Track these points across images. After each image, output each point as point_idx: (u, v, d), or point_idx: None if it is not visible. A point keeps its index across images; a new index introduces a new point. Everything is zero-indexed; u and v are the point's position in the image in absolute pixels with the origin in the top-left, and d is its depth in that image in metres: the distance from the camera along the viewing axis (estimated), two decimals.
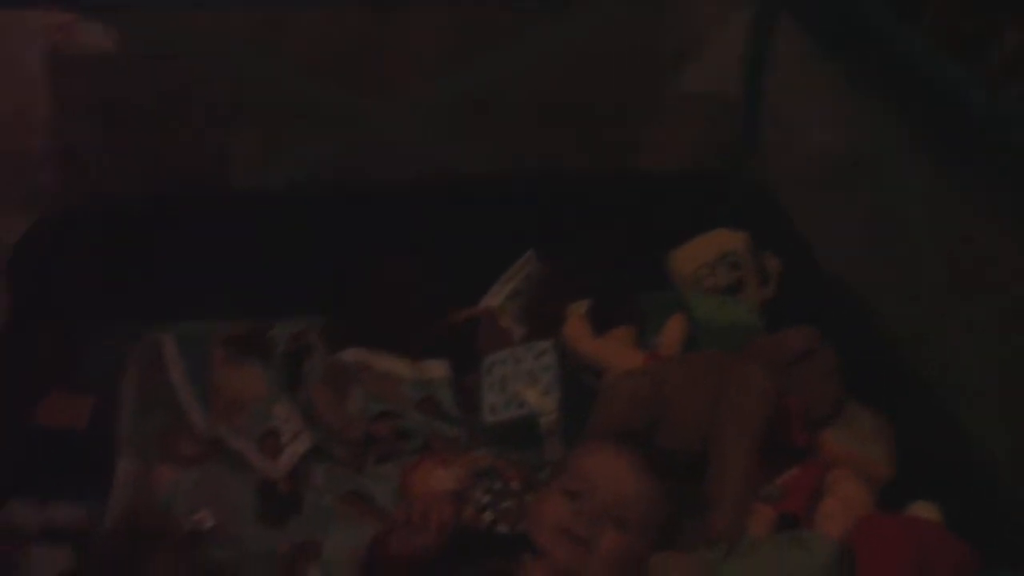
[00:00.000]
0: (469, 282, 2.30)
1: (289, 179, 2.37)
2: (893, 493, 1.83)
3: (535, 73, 2.36)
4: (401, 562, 1.62)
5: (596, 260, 2.27)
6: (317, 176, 2.38)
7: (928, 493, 1.78)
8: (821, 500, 1.76)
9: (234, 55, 2.23)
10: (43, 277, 2.14)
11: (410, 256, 2.22)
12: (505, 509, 1.80)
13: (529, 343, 2.05)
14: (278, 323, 2.09)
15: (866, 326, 2.05)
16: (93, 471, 1.86)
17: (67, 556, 1.69)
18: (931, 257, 1.94)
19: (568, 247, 2.31)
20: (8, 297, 2.08)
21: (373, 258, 2.20)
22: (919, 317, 1.96)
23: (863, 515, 1.72)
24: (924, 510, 1.76)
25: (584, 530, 1.62)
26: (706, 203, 2.39)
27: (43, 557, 1.68)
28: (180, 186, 2.36)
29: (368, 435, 1.95)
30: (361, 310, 2.17)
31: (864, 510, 1.73)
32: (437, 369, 2.08)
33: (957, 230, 1.87)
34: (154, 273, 2.19)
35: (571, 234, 2.32)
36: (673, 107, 2.50)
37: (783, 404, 1.84)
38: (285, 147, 2.38)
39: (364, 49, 2.31)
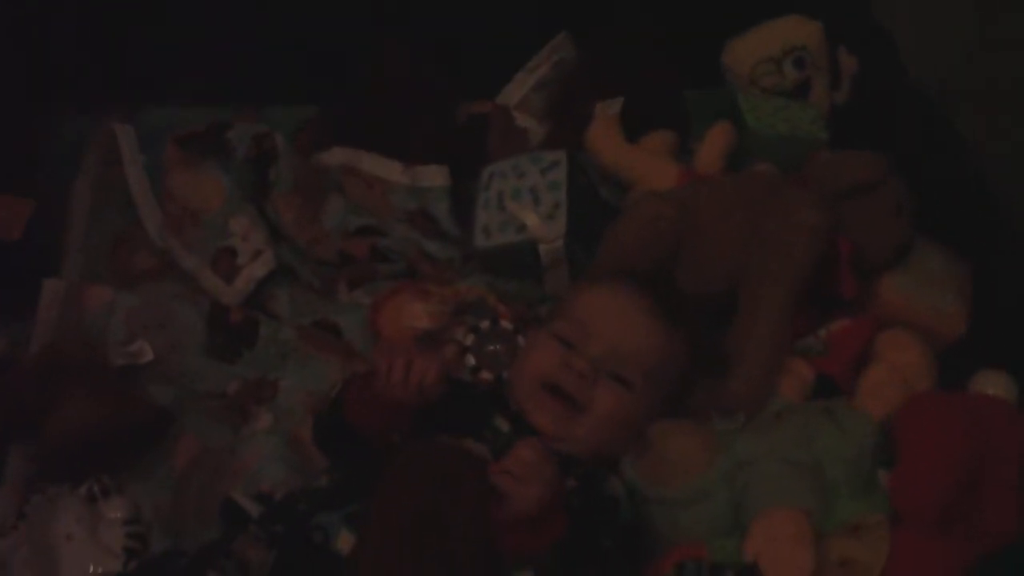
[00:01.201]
0: (487, 71, 2.01)
1: None
2: (960, 355, 1.54)
3: None
4: (374, 415, 1.32)
5: (641, 47, 1.93)
6: None
7: (1003, 359, 1.51)
8: (868, 365, 1.46)
9: None
10: None
11: (416, 38, 1.91)
12: (491, 353, 1.55)
13: (536, 153, 1.74)
14: (238, 122, 1.80)
15: (955, 153, 1.74)
16: (26, 291, 1.62)
17: None
18: None
19: (609, 29, 1.99)
20: None
21: (373, 39, 1.91)
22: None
23: (916, 390, 1.42)
24: (993, 382, 1.47)
25: (574, 386, 1.33)
26: None
27: None
28: None
29: (342, 254, 1.69)
30: (355, 102, 1.87)
31: (919, 382, 1.45)
32: (436, 176, 1.78)
33: None
34: (127, 51, 1.96)
35: (613, 13, 1.99)
36: None
37: (834, 244, 1.51)
38: None
39: None
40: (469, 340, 1.55)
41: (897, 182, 1.61)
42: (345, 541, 1.18)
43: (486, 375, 1.53)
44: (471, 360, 1.54)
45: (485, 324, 1.57)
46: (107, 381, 1.48)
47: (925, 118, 1.79)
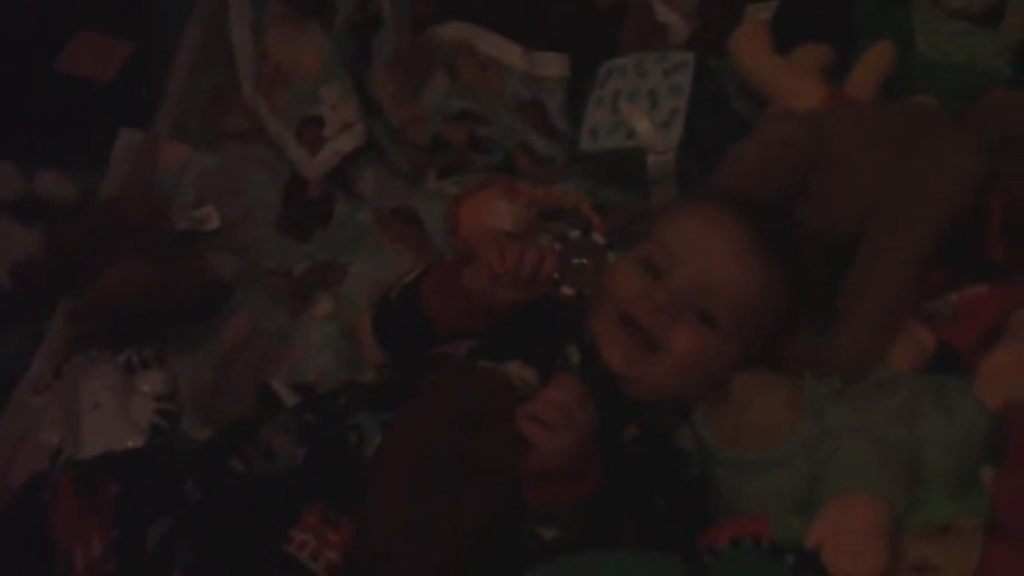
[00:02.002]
0: None
1: None
2: None
3: None
4: (453, 308, 1.20)
5: None
6: None
7: None
8: (997, 344, 1.25)
9: None
10: None
11: None
12: (576, 267, 1.40)
13: (663, 52, 1.55)
14: None
15: None
16: (111, 138, 1.54)
17: (35, 239, 1.39)
18: None
19: None
20: None
21: None
22: None
23: None
24: None
25: (652, 320, 1.16)
26: None
27: (7, 235, 1.39)
28: None
29: (437, 138, 1.55)
30: None
31: None
32: (554, 64, 1.61)
33: None
34: None
35: None
36: None
37: (985, 198, 1.30)
38: None
39: None
40: (556, 248, 1.41)
41: None
42: None
43: (567, 291, 1.39)
44: (553, 271, 1.39)
45: (575, 234, 1.43)
46: (166, 245, 1.40)
47: None
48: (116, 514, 1.09)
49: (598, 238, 1.42)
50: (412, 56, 1.60)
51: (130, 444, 1.26)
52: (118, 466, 1.14)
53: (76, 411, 1.28)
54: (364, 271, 1.44)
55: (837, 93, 1.54)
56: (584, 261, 1.41)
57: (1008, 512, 1.12)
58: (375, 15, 1.62)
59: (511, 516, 1.02)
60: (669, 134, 1.45)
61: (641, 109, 1.47)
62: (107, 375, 1.31)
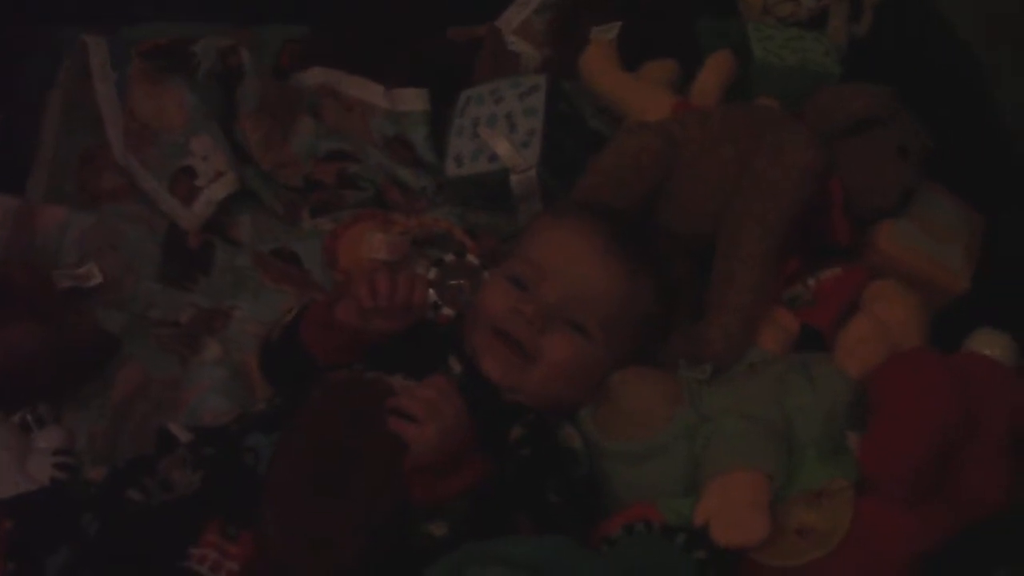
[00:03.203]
0: None
1: None
2: (960, 313, 1.41)
3: None
4: (331, 342, 1.24)
5: None
6: None
7: (1007, 322, 1.38)
8: (851, 318, 1.33)
9: None
10: None
11: None
12: (454, 288, 1.46)
13: (516, 77, 1.62)
14: (211, 35, 1.69)
15: (978, 95, 1.60)
16: None
17: None
18: None
19: None
20: None
21: None
22: None
23: (901, 346, 1.29)
24: (991, 342, 1.35)
25: (523, 333, 1.22)
26: None
27: None
28: None
29: (309, 180, 1.60)
30: (344, 19, 1.76)
31: (906, 340, 1.31)
32: (414, 100, 1.66)
33: None
34: None
35: None
36: None
37: (826, 187, 1.39)
38: None
39: None
40: (432, 274, 1.46)
41: (904, 121, 1.45)
42: None
43: (447, 312, 1.44)
44: (433, 295, 1.44)
45: (450, 258, 1.48)
46: (51, 305, 1.41)
47: (949, 54, 1.65)
48: (11, 548, 1.10)
49: (472, 259, 1.48)
50: (277, 103, 1.64)
51: None
52: (10, 504, 1.15)
53: None
54: (249, 313, 1.47)
55: (683, 102, 1.61)
56: (461, 282, 1.46)
57: (873, 471, 1.19)
58: (237, 66, 1.65)
59: (401, 514, 1.05)
60: (528, 153, 1.51)
61: (500, 132, 1.53)
62: (2, 436, 1.31)
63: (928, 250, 1.44)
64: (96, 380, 1.41)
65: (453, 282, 1.46)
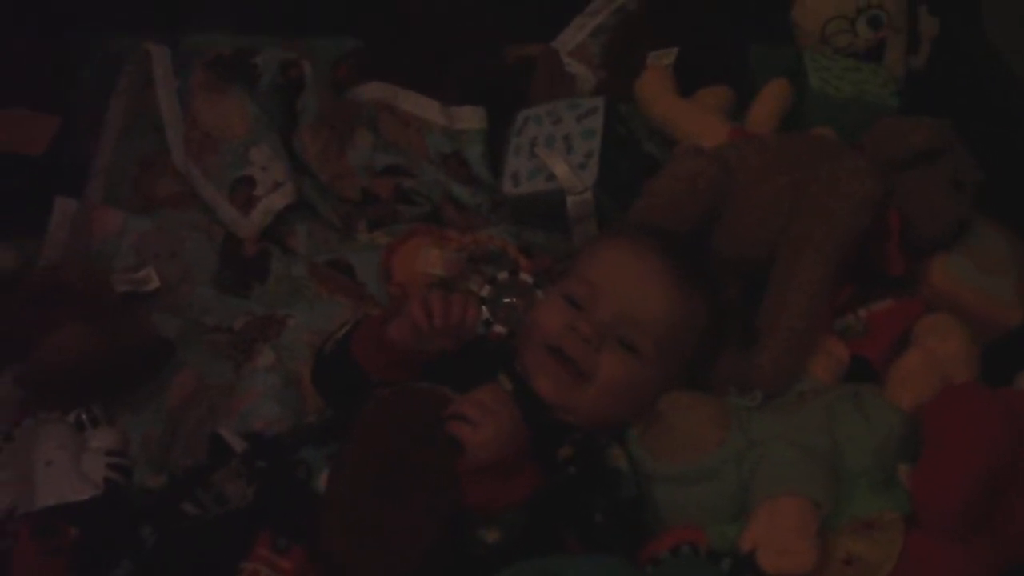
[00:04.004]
0: (545, 11, 1.90)
1: None
2: (1012, 348, 1.42)
3: None
4: (383, 359, 1.24)
5: None
6: None
7: None
8: (904, 351, 1.34)
9: None
10: None
11: None
12: (507, 306, 1.47)
13: (575, 99, 1.63)
14: (267, 46, 1.72)
15: None
16: (46, 208, 1.59)
17: None
18: None
19: None
20: None
21: None
22: None
23: (952, 380, 1.29)
24: None
25: (578, 351, 1.23)
26: None
27: None
28: None
29: (365, 193, 1.61)
30: (397, 36, 1.78)
31: (957, 374, 1.31)
32: (471, 117, 1.68)
33: None
34: None
35: None
36: None
37: (884, 217, 1.39)
38: None
39: None
40: (485, 291, 1.47)
41: (961, 154, 1.46)
42: (325, 480, 1.12)
43: (499, 329, 1.44)
44: (485, 313, 1.45)
45: (503, 276, 1.49)
46: (108, 308, 1.43)
47: (1005, 89, 1.65)
48: (76, 558, 1.13)
49: (526, 278, 1.49)
50: (336, 115, 1.65)
51: (85, 497, 1.29)
52: (75, 513, 1.18)
53: (29, 471, 1.30)
54: (303, 322, 1.48)
55: (739, 129, 1.63)
56: (514, 300, 1.47)
57: (923, 504, 1.20)
58: (298, 78, 1.68)
59: (457, 519, 1.07)
60: (585, 175, 1.52)
61: (558, 153, 1.55)
62: (57, 434, 1.32)
63: (980, 285, 1.44)
64: (151, 384, 1.44)
65: (506, 300, 1.47)
